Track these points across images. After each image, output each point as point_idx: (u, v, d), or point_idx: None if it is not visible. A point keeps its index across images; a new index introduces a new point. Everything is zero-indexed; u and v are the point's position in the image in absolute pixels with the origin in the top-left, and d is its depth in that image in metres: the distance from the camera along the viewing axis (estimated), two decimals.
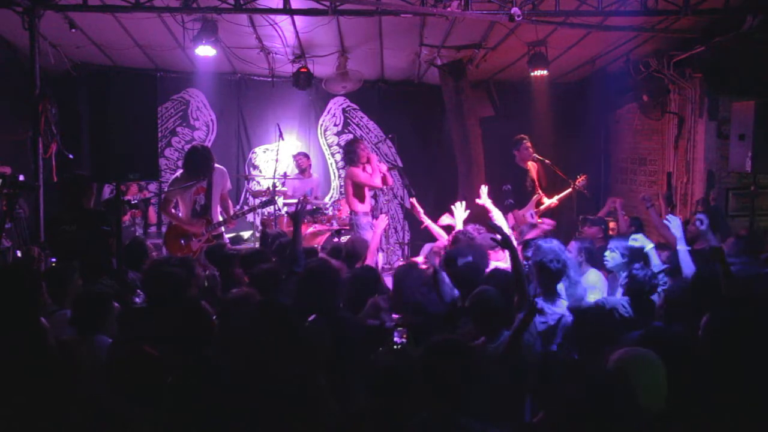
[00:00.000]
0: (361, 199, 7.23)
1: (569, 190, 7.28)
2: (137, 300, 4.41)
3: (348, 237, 7.33)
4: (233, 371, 2.72)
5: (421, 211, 6.10)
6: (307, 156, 8.89)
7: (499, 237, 3.79)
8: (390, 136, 9.37)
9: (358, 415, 2.24)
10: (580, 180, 7.33)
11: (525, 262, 4.39)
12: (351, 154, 7.20)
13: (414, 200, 6.35)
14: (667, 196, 7.49)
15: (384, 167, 7.46)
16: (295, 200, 8.23)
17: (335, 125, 9.81)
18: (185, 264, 4.32)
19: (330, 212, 8.39)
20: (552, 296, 4.10)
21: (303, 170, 8.75)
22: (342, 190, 9.78)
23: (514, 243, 4.30)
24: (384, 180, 7.25)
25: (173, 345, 2.99)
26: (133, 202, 6.90)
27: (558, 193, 7.34)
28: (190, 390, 2.51)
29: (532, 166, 7.65)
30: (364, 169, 7.17)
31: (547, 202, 7.27)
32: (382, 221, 5.93)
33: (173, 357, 2.84)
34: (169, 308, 3.46)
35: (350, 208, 7.41)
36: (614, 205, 7.10)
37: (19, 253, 5.10)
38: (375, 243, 5.72)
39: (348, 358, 3.10)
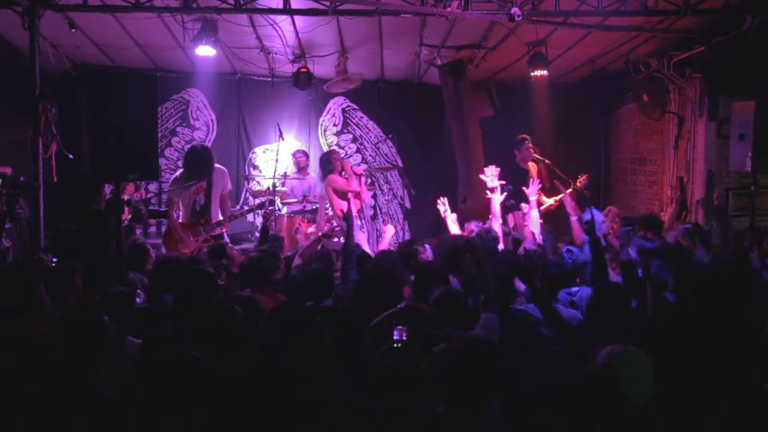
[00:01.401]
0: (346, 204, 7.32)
1: (569, 191, 7.27)
2: (138, 300, 4.41)
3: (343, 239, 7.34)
4: (242, 370, 2.71)
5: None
6: (306, 154, 8.90)
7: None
8: (390, 136, 9.37)
9: (360, 415, 2.24)
10: (581, 180, 7.32)
11: None
12: (326, 164, 7.35)
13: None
14: (681, 201, 7.48)
15: (359, 170, 7.57)
16: (295, 200, 8.24)
17: (335, 125, 9.81)
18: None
19: (330, 212, 8.39)
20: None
21: (301, 168, 8.76)
22: None
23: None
24: (359, 195, 7.32)
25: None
26: (162, 210, 6.88)
27: (558, 194, 7.33)
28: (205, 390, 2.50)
29: (532, 167, 7.64)
30: (340, 176, 7.26)
31: (547, 202, 7.26)
32: (389, 231, 6.17)
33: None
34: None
35: (336, 214, 7.47)
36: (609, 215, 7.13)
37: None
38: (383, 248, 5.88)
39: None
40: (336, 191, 7.29)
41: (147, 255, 5.18)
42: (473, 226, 6.07)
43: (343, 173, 7.30)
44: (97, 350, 2.87)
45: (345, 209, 7.28)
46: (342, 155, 7.98)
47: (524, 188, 6.46)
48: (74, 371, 2.77)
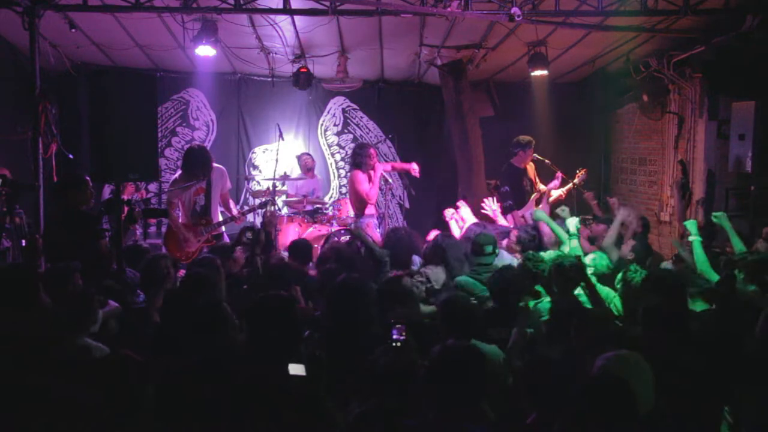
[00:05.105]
0: (365, 203, 7.23)
1: (569, 185, 7.29)
2: (138, 300, 4.41)
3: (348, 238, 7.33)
4: (233, 371, 2.71)
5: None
6: (312, 156, 8.93)
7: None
8: (390, 136, 9.37)
9: (359, 416, 2.24)
10: (579, 175, 7.31)
11: None
12: (358, 158, 7.18)
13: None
14: (683, 183, 7.45)
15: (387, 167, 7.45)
16: (297, 199, 8.25)
17: (335, 125, 9.82)
18: (210, 264, 4.30)
19: (330, 212, 8.39)
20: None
21: (309, 170, 8.76)
22: (342, 189, 9.80)
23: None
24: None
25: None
26: (158, 209, 6.84)
27: (566, 184, 7.35)
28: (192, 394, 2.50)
29: (530, 167, 7.65)
30: (369, 178, 7.13)
31: (555, 193, 7.23)
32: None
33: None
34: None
35: (354, 210, 7.39)
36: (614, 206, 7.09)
37: (24, 243, 5.05)
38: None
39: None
40: (355, 189, 7.20)
41: (144, 256, 5.16)
42: (474, 227, 6.06)
43: (373, 175, 7.15)
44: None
45: (363, 207, 7.27)
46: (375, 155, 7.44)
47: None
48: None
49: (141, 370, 2.51)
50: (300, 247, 5.19)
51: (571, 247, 4.88)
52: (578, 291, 4.25)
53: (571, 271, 4.08)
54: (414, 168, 7.47)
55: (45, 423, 2.47)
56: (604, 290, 4.35)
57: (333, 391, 2.82)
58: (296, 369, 2.76)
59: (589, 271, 4.53)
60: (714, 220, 5.18)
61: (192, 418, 2.55)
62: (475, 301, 4.09)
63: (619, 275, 4.44)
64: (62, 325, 3.33)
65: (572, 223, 4.99)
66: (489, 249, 4.71)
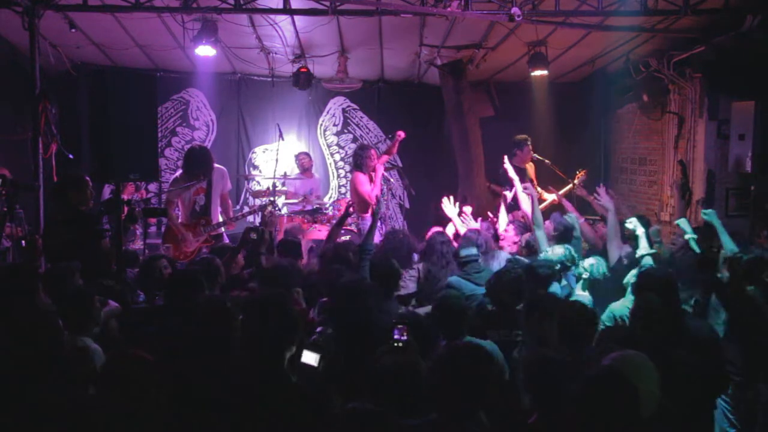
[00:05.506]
0: (367, 204, 7.23)
1: (569, 186, 7.28)
2: (138, 300, 4.41)
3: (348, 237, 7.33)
4: (237, 368, 2.72)
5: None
6: (309, 156, 8.93)
7: None
8: (390, 136, 9.32)
9: (359, 416, 2.24)
10: (580, 176, 7.30)
11: None
12: (359, 159, 7.19)
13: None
14: (683, 184, 7.45)
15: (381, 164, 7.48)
16: (297, 199, 8.25)
17: (335, 125, 9.82)
18: (209, 264, 4.30)
19: (330, 212, 8.39)
20: None
21: (306, 169, 8.76)
22: (341, 189, 9.80)
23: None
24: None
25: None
26: (158, 208, 6.85)
27: (558, 190, 7.32)
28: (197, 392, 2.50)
29: (530, 166, 7.64)
30: (370, 179, 7.15)
31: (549, 198, 7.22)
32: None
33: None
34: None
35: (356, 212, 7.38)
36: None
37: (24, 243, 5.06)
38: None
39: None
40: (357, 191, 7.23)
41: (137, 258, 5.18)
42: (480, 224, 6.07)
43: (373, 176, 7.18)
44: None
45: (362, 210, 7.28)
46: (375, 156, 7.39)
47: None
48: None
49: (148, 368, 2.51)
50: (289, 245, 5.20)
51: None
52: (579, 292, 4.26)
53: (542, 274, 4.15)
54: (400, 135, 7.60)
55: (45, 423, 2.46)
56: (608, 309, 4.31)
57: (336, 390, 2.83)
58: (309, 358, 2.77)
59: (584, 275, 4.55)
60: (704, 217, 5.20)
61: (192, 418, 2.55)
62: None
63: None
64: (63, 325, 3.32)
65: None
66: (468, 252, 4.78)
